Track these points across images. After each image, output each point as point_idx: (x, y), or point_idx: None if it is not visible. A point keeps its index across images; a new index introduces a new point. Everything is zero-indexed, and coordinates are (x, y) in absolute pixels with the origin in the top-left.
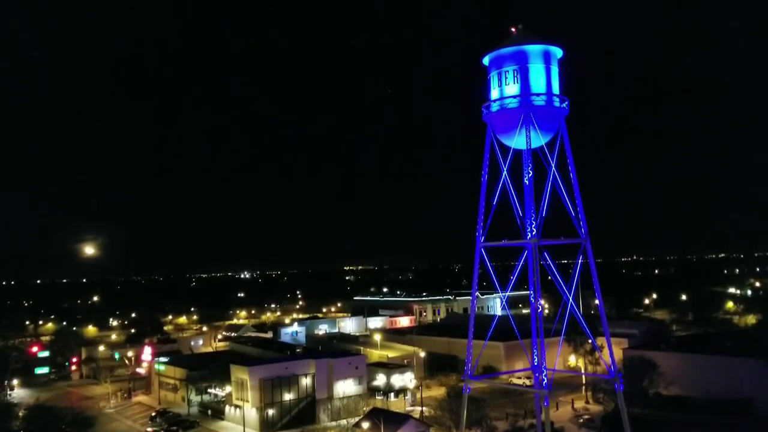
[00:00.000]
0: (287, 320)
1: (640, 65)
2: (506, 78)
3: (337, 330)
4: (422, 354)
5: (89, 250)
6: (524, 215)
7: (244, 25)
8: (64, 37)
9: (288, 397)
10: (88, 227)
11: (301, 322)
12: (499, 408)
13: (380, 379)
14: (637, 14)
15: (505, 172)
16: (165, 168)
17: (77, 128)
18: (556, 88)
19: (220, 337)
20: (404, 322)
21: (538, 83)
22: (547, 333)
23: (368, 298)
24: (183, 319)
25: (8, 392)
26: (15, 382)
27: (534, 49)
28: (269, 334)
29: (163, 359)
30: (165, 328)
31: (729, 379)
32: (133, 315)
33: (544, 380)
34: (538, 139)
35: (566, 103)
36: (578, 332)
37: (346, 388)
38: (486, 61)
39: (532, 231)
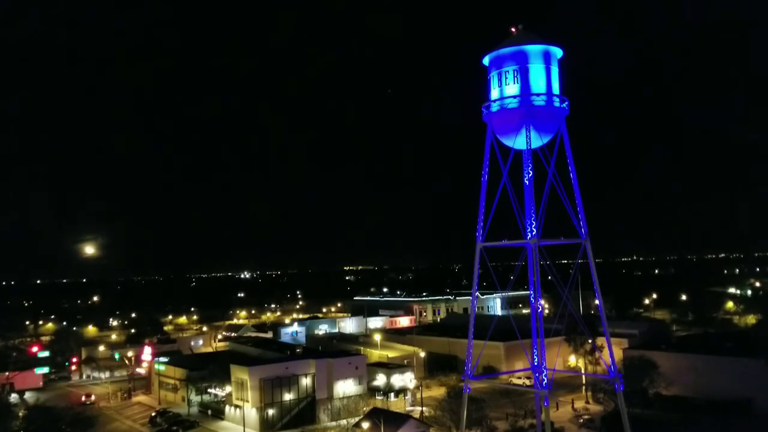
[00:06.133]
0: (287, 320)
1: (640, 65)
2: (506, 78)
3: (337, 330)
4: (422, 354)
5: (89, 250)
6: (524, 215)
7: (239, 25)
8: (65, 36)
9: (288, 397)
10: (88, 227)
11: (301, 322)
12: (499, 408)
13: (380, 379)
14: (637, 14)
15: (505, 172)
16: (165, 168)
17: (77, 128)
18: (556, 88)
19: (220, 337)
20: (404, 322)
21: (538, 83)
22: (547, 333)
23: (368, 298)
24: (183, 319)
25: (9, 393)
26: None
27: (534, 49)
28: (269, 334)
29: (163, 359)
30: (165, 328)
31: (729, 379)
32: (133, 315)
33: (544, 380)
34: (538, 140)
35: (566, 103)
36: (578, 332)
37: (346, 388)
38: (486, 61)
39: (532, 231)
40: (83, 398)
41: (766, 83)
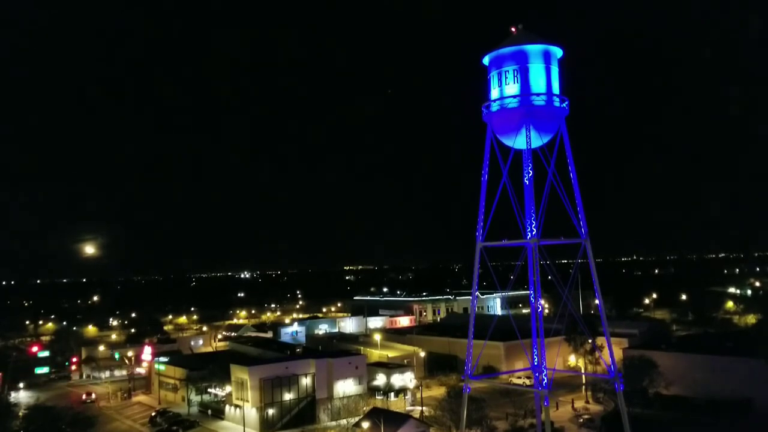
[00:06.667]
0: (287, 320)
1: (640, 65)
2: (506, 78)
3: (337, 330)
4: (422, 354)
5: (89, 250)
6: (524, 215)
7: (239, 26)
8: (64, 37)
9: (288, 396)
10: (88, 227)
11: (301, 321)
12: (499, 408)
13: (380, 379)
14: (638, 14)
15: (505, 172)
16: (165, 168)
17: (77, 128)
18: (556, 88)
19: (220, 336)
20: (404, 322)
21: (538, 83)
22: (547, 333)
23: (368, 297)
24: (183, 319)
25: (9, 393)
26: (21, 384)
27: (534, 49)
28: (269, 334)
29: (163, 359)
30: (165, 328)
31: (729, 379)
32: (133, 315)
33: (544, 380)
34: (538, 139)
35: (566, 103)
36: (578, 332)
37: (346, 387)
38: (486, 61)
39: (532, 231)
40: (84, 396)
41: (766, 81)
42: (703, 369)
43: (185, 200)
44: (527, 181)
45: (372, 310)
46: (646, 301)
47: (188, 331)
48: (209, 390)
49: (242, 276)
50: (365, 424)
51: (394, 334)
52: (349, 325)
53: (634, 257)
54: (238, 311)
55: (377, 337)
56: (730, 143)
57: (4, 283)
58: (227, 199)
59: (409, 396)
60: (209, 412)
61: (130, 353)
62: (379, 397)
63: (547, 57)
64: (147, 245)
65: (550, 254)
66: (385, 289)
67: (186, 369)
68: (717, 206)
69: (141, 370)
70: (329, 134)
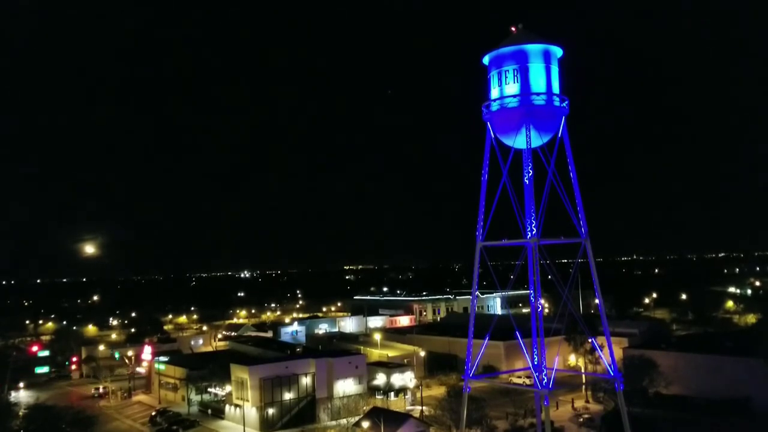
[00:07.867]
0: (287, 320)
1: (640, 64)
2: (506, 77)
3: (337, 329)
4: (422, 353)
5: (89, 250)
6: (524, 215)
7: (240, 26)
8: (63, 37)
9: (288, 396)
10: (88, 227)
11: (301, 321)
12: (499, 407)
13: (380, 379)
14: (637, 13)
15: (505, 171)
16: (165, 168)
17: (77, 128)
18: (556, 88)
19: (220, 336)
20: (404, 321)
21: (538, 83)
22: (547, 332)
23: (368, 297)
24: (183, 319)
25: (9, 393)
26: (21, 384)
27: (534, 48)
28: (269, 334)
29: (163, 359)
30: (165, 327)
31: (729, 379)
32: (133, 314)
33: (544, 379)
34: (538, 139)
35: (566, 102)
36: (578, 331)
37: (346, 387)
38: (486, 60)
39: (532, 230)
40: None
41: (766, 81)
42: (703, 369)
43: (186, 200)
44: (527, 181)
45: (372, 309)
46: (646, 300)
47: (188, 330)
48: (209, 389)
49: (242, 276)
50: (365, 424)
51: (394, 334)
52: (349, 324)
53: (634, 257)
54: (238, 311)
55: (377, 336)
56: (731, 143)
57: (4, 283)
58: (227, 198)
59: (409, 395)
60: (209, 411)
61: (130, 353)
62: (379, 397)
63: (547, 56)
64: (147, 245)
65: (550, 254)
66: (385, 289)
67: (186, 368)
68: (717, 206)
69: (141, 370)
70: (329, 134)
